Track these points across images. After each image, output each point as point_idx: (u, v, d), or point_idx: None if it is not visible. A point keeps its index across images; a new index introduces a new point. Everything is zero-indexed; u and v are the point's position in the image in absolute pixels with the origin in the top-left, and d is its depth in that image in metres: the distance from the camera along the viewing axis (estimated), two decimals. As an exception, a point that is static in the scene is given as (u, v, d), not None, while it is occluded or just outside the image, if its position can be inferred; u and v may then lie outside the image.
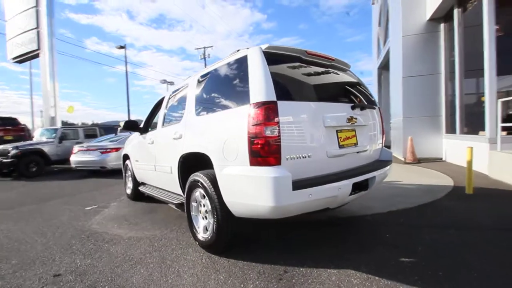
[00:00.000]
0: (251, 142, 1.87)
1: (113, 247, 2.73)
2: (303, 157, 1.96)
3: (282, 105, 1.88)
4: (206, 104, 2.54)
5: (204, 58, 33.33)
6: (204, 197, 2.46)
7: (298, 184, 1.81)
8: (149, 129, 4.17)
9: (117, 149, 8.37)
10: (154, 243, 2.78)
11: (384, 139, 2.93)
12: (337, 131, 2.23)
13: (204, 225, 2.52)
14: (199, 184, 2.43)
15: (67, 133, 10.32)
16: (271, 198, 1.77)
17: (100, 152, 8.22)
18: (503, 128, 4.60)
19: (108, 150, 8.28)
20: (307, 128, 2.01)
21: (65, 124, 18.77)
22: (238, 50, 2.47)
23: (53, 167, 10.27)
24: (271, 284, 1.91)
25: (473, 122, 6.08)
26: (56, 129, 10.24)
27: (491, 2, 4.72)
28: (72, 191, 5.99)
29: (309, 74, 2.36)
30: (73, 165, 8.48)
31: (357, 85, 2.80)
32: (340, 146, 2.23)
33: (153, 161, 3.50)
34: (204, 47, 33.29)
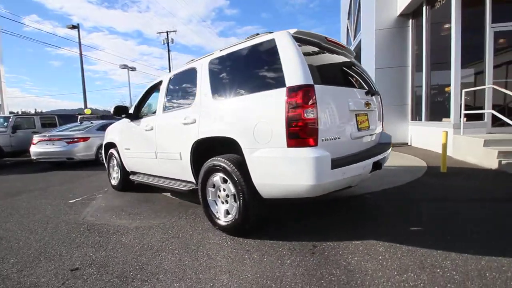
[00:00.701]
0: (289, 125, 1.91)
1: (124, 238, 2.59)
2: (334, 139, 2.07)
3: (317, 88, 1.94)
4: (225, 88, 2.48)
5: (168, 43, 31.64)
6: (226, 181, 2.45)
7: (335, 163, 1.92)
8: (141, 115, 3.95)
9: (85, 139, 7.72)
10: (167, 231, 2.70)
11: (383, 123, 3.18)
12: (356, 115, 2.38)
13: (225, 209, 2.52)
14: (220, 168, 2.41)
15: (21, 122, 9.16)
16: (312, 177, 1.86)
17: (66, 142, 7.48)
18: (465, 115, 5.25)
19: (76, 139, 7.58)
20: (336, 111, 2.12)
21: None
22: (257, 34, 2.46)
23: (5, 160, 9.09)
24: (306, 257, 2.02)
25: (437, 110, 6.82)
26: (7, 118, 9.01)
27: (458, 2, 5.26)
28: (40, 184, 5.42)
29: (328, 60, 2.45)
30: (33, 157, 7.61)
31: (363, 72, 2.97)
32: (359, 129, 2.39)
33: (153, 148, 3.33)
34: (167, 31, 31.53)
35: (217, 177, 2.53)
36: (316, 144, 1.91)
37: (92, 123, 8.84)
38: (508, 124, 4.97)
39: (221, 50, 2.74)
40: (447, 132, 4.37)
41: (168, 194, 4.11)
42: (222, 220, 2.52)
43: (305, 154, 1.88)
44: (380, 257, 1.98)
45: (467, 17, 5.36)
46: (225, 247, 2.27)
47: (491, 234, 2.27)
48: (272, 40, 2.18)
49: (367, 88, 2.67)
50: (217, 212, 2.59)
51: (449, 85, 6.14)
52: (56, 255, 2.31)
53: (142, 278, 1.88)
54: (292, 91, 1.91)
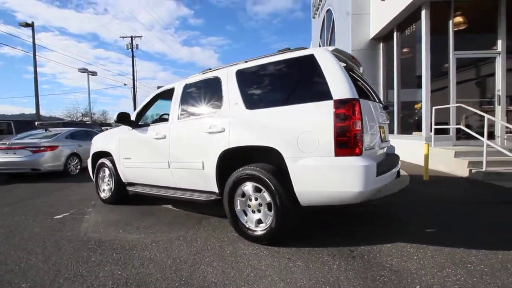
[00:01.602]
0: (338, 135, 2.03)
1: (146, 253, 2.42)
2: (370, 149, 2.24)
3: (361, 101, 2.11)
4: (259, 98, 2.53)
5: (132, 48, 30.32)
6: (259, 190, 2.47)
7: (378, 171, 2.08)
8: (145, 122, 3.77)
9: (53, 148, 7.00)
10: (191, 243, 2.58)
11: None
12: (379, 127, 2.60)
13: (257, 219, 2.51)
14: (253, 177, 2.43)
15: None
16: (361, 184, 1.98)
17: (31, 151, 6.68)
18: (435, 130, 5.97)
19: (42, 148, 6.81)
20: (371, 123, 2.30)
21: None
22: (288, 49, 2.59)
23: None
24: (349, 262, 2.11)
25: (407, 125, 7.60)
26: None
27: (427, 30, 6.05)
28: (7, 199, 4.75)
29: (353, 76, 2.66)
30: (-11, 168, 6.62)
31: (373, 87, 3.26)
32: (382, 140, 2.61)
33: (165, 157, 3.19)
34: (132, 36, 30.31)
35: (248, 186, 2.53)
36: (361, 154, 2.05)
37: (58, 131, 8.04)
38: (468, 138, 5.76)
39: (246, 61, 2.80)
40: (428, 144, 4.92)
41: (170, 206, 3.92)
42: (254, 230, 2.51)
43: (355, 162, 2.01)
44: (415, 257, 2.16)
45: (434, 44, 6.17)
46: (264, 257, 2.26)
47: (492, 232, 2.62)
48: (311, 56, 2.32)
49: (383, 103, 2.94)
50: (246, 222, 2.57)
51: (417, 102, 6.92)
52: (77, 275, 2.08)
53: (194, 293, 1.80)
54: (341, 103, 2.05)
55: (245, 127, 2.53)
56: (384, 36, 8.21)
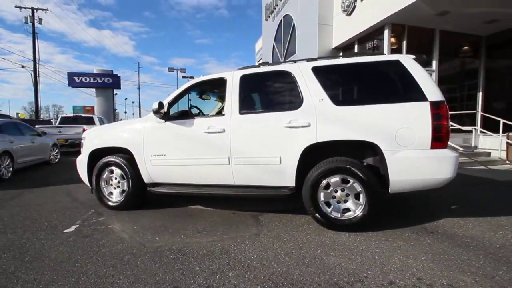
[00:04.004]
0: (435, 131, 2.41)
1: (249, 254, 2.27)
2: None
3: None
4: (348, 96, 2.71)
5: (33, 22, 24.69)
6: (347, 182, 2.64)
7: None
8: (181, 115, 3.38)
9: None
10: (281, 239, 2.54)
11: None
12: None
13: (343, 208, 2.67)
14: (343, 169, 2.60)
15: None
16: (452, 171, 2.42)
17: None
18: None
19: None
20: None
21: None
22: (362, 53, 2.84)
23: None
24: (431, 236, 2.52)
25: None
26: None
27: (389, 44, 7.27)
28: None
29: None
30: None
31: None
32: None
33: (224, 153, 2.96)
34: (33, 8, 24.78)
35: (335, 179, 2.66)
36: (447, 147, 2.49)
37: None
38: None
39: (319, 59, 2.91)
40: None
41: (199, 206, 3.62)
42: (340, 220, 2.66)
43: (448, 153, 2.43)
44: (470, 225, 2.75)
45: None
46: (366, 241, 2.44)
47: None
48: (397, 61, 2.64)
49: None
50: (330, 213, 2.69)
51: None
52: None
53: (350, 281, 1.86)
54: (436, 104, 2.43)
55: (336, 123, 2.64)
56: (345, 47, 9.34)
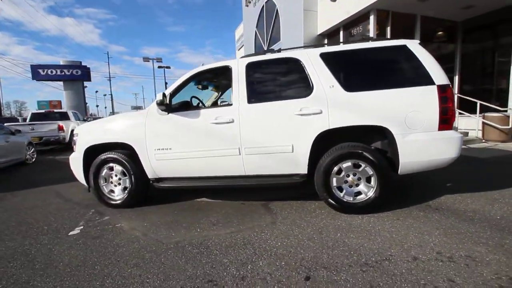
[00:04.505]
0: (442, 113, 2.51)
1: (275, 242, 2.29)
2: None
3: None
4: (358, 82, 2.72)
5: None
6: (358, 166, 2.71)
7: None
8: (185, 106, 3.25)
9: None
10: (299, 225, 2.59)
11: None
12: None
13: (356, 191, 2.76)
14: (355, 154, 2.66)
15: None
16: (457, 151, 2.56)
17: None
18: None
19: None
20: None
21: None
22: (364, 38, 2.88)
23: None
24: (438, 212, 2.68)
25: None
26: None
27: (374, 31, 7.41)
28: None
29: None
30: None
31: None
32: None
33: (234, 144, 2.91)
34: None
35: (347, 164, 2.72)
36: (452, 128, 2.62)
37: None
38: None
39: (327, 46, 2.91)
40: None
41: (205, 198, 3.56)
42: (353, 203, 2.74)
43: (454, 135, 2.56)
44: (468, 201, 2.96)
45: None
46: (379, 223, 2.54)
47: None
48: (405, 46, 2.69)
49: None
50: (343, 197, 2.77)
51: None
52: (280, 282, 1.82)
53: (378, 260, 1.95)
54: (443, 88, 2.52)
55: (347, 109, 2.67)
56: (330, 33, 9.39)
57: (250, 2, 14.13)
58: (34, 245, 2.49)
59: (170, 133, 3.12)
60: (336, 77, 2.75)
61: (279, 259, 2.03)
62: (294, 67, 2.91)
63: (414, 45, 2.71)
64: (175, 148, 3.10)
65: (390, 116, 2.60)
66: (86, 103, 35.11)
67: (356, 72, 2.85)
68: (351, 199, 2.76)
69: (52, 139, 9.57)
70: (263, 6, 12.52)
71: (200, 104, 3.88)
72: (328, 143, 2.80)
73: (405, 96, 2.61)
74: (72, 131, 10.76)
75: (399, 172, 2.70)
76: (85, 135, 3.45)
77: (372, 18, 7.39)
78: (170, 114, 3.12)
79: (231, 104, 3.00)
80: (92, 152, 3.38)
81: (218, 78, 3.93)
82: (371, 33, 7.41)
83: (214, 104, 4.38)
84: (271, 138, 2.85)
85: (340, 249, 2.12)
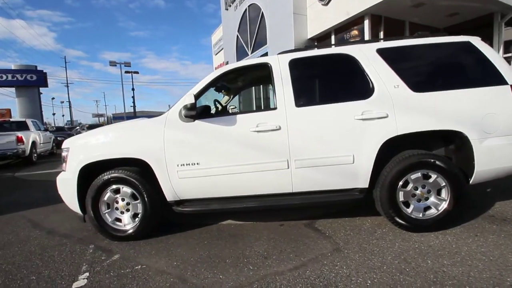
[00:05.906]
0: None
1: (360, 283, 1.83)
2: None
3: None
4: (425, 81, 2.40)
5: None
6: (428, 177, 2.38)
7: None
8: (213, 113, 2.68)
9: None
10: (377, 255, 2.16)
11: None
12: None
13: (424, 207, 2.41)
14: (426, 164, 2.33)
15: None
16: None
17: None
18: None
19: None
20: None
21: None
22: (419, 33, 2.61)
23: None
24: (496, 224, 2.46)
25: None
26: None
27: (369, 35, 7.39)
28: None
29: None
30: None
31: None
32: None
33: (282, 155, 2.41)
34: None
35: (417, 175, 2.37)
36: (528, 131, 2.40)
37: None
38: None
39: (384, 41, 2.57)
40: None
41: (231, 221, 3.00)
42: (422, 220, 2.39)
43: None
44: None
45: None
46: (462, 243, 2.21)
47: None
48: (469, 43, 2.44)
49: None
50: (411, 213, 2.40)
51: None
52: None
53: None
54: None
55: (418, 112, 2.33)
56: (321, 37, 9.27)
57: (230, 6, 13.70)
58: (24, 310, 1.74)
59: (197, 144, 2.52)
60: (400, 75, 2.41)
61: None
62: (347, 64, 2.52)
63: (478, 42, 2.47)
64: (204, 163, 2.51)
65: (466, 119, 2.31)
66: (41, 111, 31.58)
67: (421, 70, 2.54)
68: (420, 215, 2.41)
69: (9, 153, 8.14)
70: (245, 10, 12.15)
71: (220, 109, 3.31)
72: (388, 152, 2.43)
73: (478, 97, 2.34)
74: (34, 142, 9.37)
75: (471, 182, 2.41)
76: (80, 150, 2.70)
77: (367, 22, 7.38)
78: (196, 121, 2.53)
79: (274, 108, 2.50)
80: (87, 171, 2.66)
81: (251, 78, 3.41)
82: (366, 38, 7.39)
83: (225, 109, 3.84)
84: (326, 147, 2.40)
85: (449, 283, 1.72)
